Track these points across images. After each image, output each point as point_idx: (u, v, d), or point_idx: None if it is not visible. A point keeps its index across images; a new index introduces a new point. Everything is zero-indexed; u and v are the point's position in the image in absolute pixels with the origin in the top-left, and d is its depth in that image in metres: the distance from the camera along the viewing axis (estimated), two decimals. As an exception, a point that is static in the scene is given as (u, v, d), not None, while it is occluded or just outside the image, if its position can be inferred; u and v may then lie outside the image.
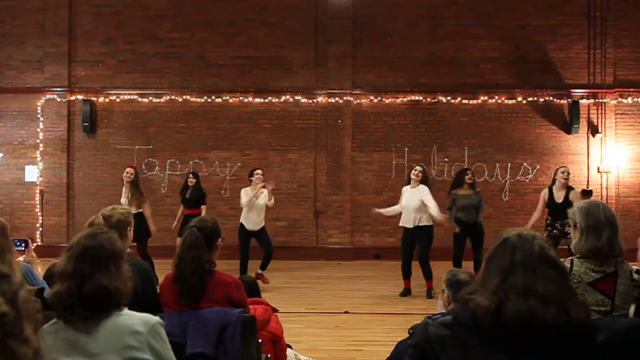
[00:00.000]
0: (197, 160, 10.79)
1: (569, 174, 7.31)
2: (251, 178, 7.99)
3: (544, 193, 7.40)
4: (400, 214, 7.68)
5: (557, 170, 7.44)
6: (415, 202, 7.38)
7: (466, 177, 7.82)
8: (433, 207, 7.25)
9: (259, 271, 8.02)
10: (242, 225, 7.96)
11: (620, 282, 2.71)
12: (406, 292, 7.66)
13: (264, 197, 7.90)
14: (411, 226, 7.45)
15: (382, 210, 7.89)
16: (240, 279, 3.40)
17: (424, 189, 7.41)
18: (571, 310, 1.69)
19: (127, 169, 8.16)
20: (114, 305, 2.06)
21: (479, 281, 1.84)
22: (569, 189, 7.26)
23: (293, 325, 5.84)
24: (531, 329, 1.67)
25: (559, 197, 7.18)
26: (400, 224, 7.66)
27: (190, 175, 8.82)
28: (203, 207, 8.61)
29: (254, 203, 7.85)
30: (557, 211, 7.02)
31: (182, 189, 8.86)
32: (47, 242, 10.63)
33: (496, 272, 1.78)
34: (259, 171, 8.03)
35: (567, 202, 6.97)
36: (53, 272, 3.48)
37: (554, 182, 7.33)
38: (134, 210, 7.80)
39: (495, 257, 1.82)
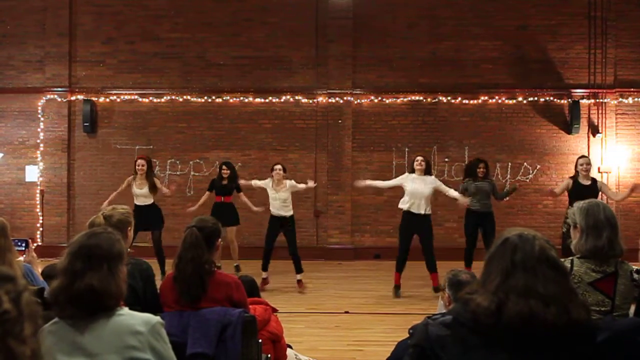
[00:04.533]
0: (197, 161, 10.80)
1: (589, 163, 7.27)
2: (272, 173, 7.99)
3: (568, 181, 7.41)
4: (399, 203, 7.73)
5: (577, 162, 7.41)
6: (427, 190, 7.41)
7: (478, 170, 7.86)
8: (453, 191, 7.53)
9: (298, 277, 8.01)
10: (271, 215, 7.97)
11: (620, 282, 2.71)
12: (398, 291, 7.60)
13: (283, 193, 7.86)
14: (421, 212, 7.42)
15: (368, 182, 7.94)
16: (240, 279, 3.40)
17: (434, 180, 7.52)
18: (571, 310, 1.69)
19: (139, 161, 8.22)
20: (104, 306, 2.03)
21: (480, 281, 1.84)
22: (594, 180, 7.27)
23: (293, 325, 5.86)
24: (531, 329, 1.67)
25: (586, 182, 7.16)
26: (402, 207, 7.54)
27: (224, 166, 8.69)
28: (241, 194, 8.58)
29: (276, 196, 7.88)
30: (580, 194, 6.82)
31: (215, 179, 8.77)
32: (48, 242, 10.62)
33: (497, 272, 1.78)
34: (278, 166, 7.97)
35: (594, 186, 6.99)
36: (51, 272, 3.50)
37: (577, 174, 7.30)
38: (149, 202, 8.09)
39: (495, 257, 1.82)
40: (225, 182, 8.62)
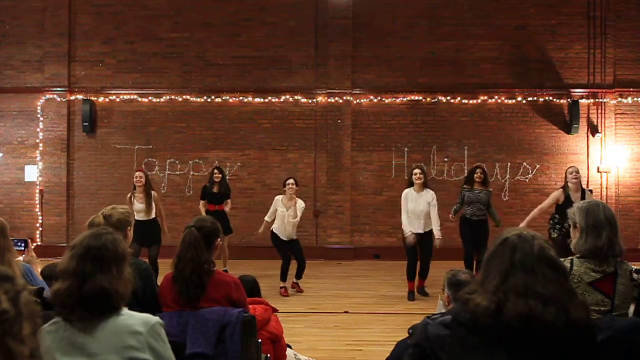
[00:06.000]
0: (197, 161, 10.80)
1: (577, 172, 7.10)
2: (285, 188, 7.73)
3: (559, 194, 7.08)
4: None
5: (566, 172, 7.20)
6: (425, 208, 7.33)
7: (475, 175, 7.80)
8: (436, 227, 7.37)
9: (295, 280, 7.96)
10: (275, 234, 7.72)
11: (620, 282, 2.71)
12: (413, 296, 7.57)
13: (296, 207, 7.66)
14: (421, 231, 7.37)
15: (408, 234, 7.42)
16: (240, 279, 3.40)
17: (432, 197, 7.39)
18: (571, 310, 1.69)
19: (137, 174, 7.81)
20: (112, 307, 2.06)
21: (479, 281, 1.84)
22: (584, 191, 7.09)
23: (293, 325, 5.86)
24: (531, 330, 1.67)
25: (576, 198, 6.89)
26: (406, 229, 7.45)
27: (216, 171, 8.63)
28: (228, 202, 8.54)
29: (288, 214, 7.60)
30: None
31: (207, 186, 8.66)
32: (47, 242, 10.63)
33: (496, 272, 1.78)
34: (291, 181, 7.70)
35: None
36: (50, 272, 3.49)
37: (567, 185, 7.07)
38: (150, 217, 7.60)
39: (495, 257, 1.82)
40: (216, 190, 8.52)
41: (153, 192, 7.79)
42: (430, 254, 7.53)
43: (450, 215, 7.89)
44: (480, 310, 1.71)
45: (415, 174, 7.40)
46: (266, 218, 7.86)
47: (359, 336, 5.88)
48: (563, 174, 10.32)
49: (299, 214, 7.71)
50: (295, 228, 7.80)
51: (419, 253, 7.56)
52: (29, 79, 10.91)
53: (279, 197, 7.79)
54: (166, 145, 10.84)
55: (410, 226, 7.40)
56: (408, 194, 7.46)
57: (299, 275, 7.95)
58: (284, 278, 7.80)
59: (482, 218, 7.76)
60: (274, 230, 7.74)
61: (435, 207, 7.39)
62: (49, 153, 10.81)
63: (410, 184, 7.52)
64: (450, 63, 10.70)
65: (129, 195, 7.84)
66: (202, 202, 8.68)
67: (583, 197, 6.98)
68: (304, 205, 7.85)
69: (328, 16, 10.65)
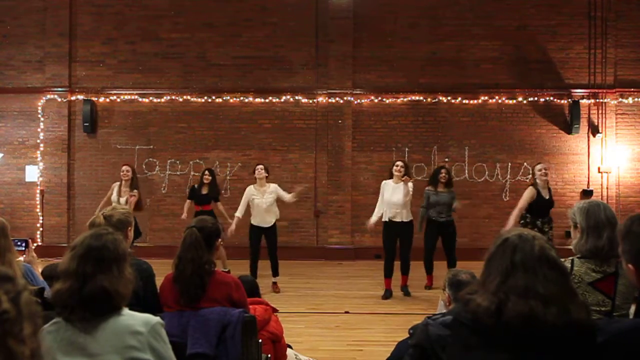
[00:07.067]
0: (197, 161, 10.80)
1: (547, 169, 7.03)
2: (255, 175, 7.79)
3: (532, 192, 6.87)
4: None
5: (534, 169, 7.07)
6: (400, 199, 7.36)
7: (440, 175, 7.80)
8: (410, 191, 7.37)
9: (273, 279, 7.92)
10: (251, 225, 7.78)
11: (620, 282, 2.71)
12: (389, 294, 7.55)
13: (268, 196, 7.65)
14: (400, 220, 7.40)
15: (372, 221, 7.59)
16: (240, 279, 3.40)
17: (409, 187, 7.39)
18: (572, 310, 1.69)
19: (123, 167, 7.95)
20: (113, 307, 2.06)
21: (480, 281, 1.84)
22: (549, 190, 7.06)
23: (293, 326, 5.86)
24: (532, 330, 1.67)
25: (545, 194, 6.92)
26: (383, 219, 7.51)
27: (206, 172, 8.60)
28: (219, 204, 8.47)
29: (261, 201, 7.63)
30: (543, 208, 6.84)
31: (195, 186, 8.63)
32: (48, 242, 10.63)
33: (496, 272, 1.78)
34: (260, 166, 7.78)
35: (551, 199, 6.95)
36: (50, 272, 3.50)
37: (536, 182, 6.93)
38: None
39: (495, 257, 1.82)
40: (205, 191, 8.47)
41: (135, 191, 7.69)
42: (409, 246, 7.53)
43: (418, 228, 7.76)
44: (481, 310, 1.71)
45: (397, 166, 7.52)
46: (236, 214, 7.79)
47: (360, 336, 5.88)
48: (564, 174, 10.48)
49: (285, 196, 7.71)
50: (271, 213, 7.71)
51: (398, 247, 7.56)
52: (30, 79, 10.91)
53: (250, 187, 7.82)
54: (167, 145, 10.84)
55: (388, 216, 7.43)
56: (385, 184, 7.57)
57: (274, 272, 7.89)
58: (254, 275, 7.64)
59: (448, 219, 7.76)
60: (251, 221, 7.76)
61: (410, 190, 7.35)
62: (50, 153, 10.81)
63: (390, 176, 7.59)
64: (450, 63, 10.70)
65: (114, 185, 7.93)
66: (188, 201, 8.65)
67: (550, 194, 6.98)
68: (276, 186, 7.83)
69: (328, 16, 10.65)
